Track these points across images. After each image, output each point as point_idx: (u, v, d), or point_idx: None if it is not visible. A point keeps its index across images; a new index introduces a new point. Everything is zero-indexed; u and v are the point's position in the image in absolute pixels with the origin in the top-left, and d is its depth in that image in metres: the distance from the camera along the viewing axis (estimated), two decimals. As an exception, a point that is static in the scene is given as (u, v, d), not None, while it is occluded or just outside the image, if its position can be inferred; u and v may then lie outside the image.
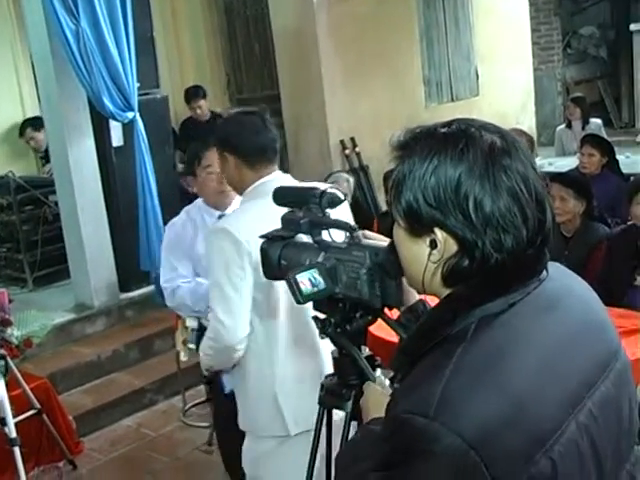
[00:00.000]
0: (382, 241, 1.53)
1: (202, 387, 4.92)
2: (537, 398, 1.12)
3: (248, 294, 2.42)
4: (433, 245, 1.18)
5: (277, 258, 1.71)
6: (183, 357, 4.43)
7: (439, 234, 1.17)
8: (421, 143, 1.20)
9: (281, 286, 2.37)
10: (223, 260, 2.39)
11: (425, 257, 1.20)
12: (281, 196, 1.79)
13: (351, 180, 5.49)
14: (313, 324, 1.99)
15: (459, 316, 1.17)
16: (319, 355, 2.51)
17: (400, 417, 1.11)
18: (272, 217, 2.42)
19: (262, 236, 1.76)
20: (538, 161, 7.01)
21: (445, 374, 1.10)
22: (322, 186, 1.78)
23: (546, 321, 1.21)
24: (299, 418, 2.51)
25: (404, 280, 1.38)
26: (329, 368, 2.23)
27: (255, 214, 2.41)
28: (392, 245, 1.32)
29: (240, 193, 2.59)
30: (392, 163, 1.24)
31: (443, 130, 1.20)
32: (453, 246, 1.17)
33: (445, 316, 1.19)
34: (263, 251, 1.75)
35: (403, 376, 1.24)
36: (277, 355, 2.51)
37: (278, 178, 2.56)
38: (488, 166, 1.15)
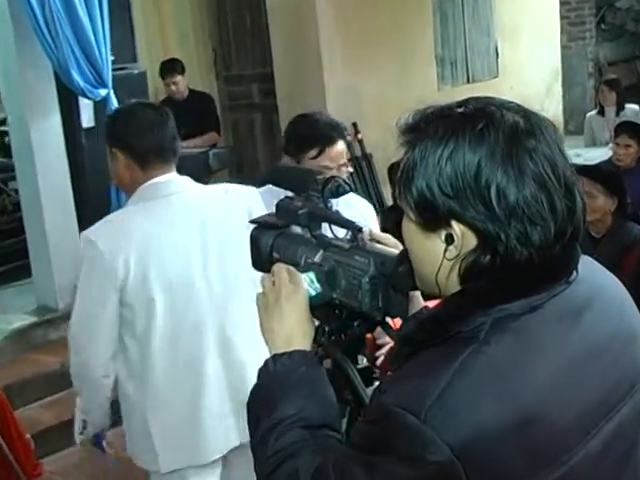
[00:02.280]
0: (391, 245, 1.51)
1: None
2: (545, 418, 1.12)
3: (113, 311, 2.51)
4: (449, 240, 1.18)
5: (269, 249, 1.68)
6: None
7: (456, 227, 1.16)
8: (434, 125, 1.19)
9: (161, 299, 2.53)
10: (86, 272, 2.51)
11: (440, 254, 1.19)
12: (278, 176, 1.77)
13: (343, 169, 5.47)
14: (205, 346, 2.23)
15: (473, 314, 1.16)
16: (214, 378, 2.63)
17: (389, 408, 1.12)
18: (156, 224, 2.55)
19: (252, 221, 1.74)
20: (564, 152, 7.02)
21: (447, 374, 1.11)
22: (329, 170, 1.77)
23: (568, 330, 1.21)
24: (179, 450, 2.64)
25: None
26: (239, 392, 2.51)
27: (133, 222, 2.52)
28: (403, 255, 1.31)
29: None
30: (400, 150, 1.23)
31: (459, 110, 1.20)
32: (472, 240, 1.17)
33: (458, 312, 1.18)
34: (253, 239, 1.73)
35: (398, 367, 1.24)
36: (152, 378, 2.60)
37: (173, 181, 2.64)
38: (511, 149, 1.14)
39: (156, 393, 2.63)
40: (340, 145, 2.99)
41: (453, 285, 1.22)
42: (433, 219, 1.18)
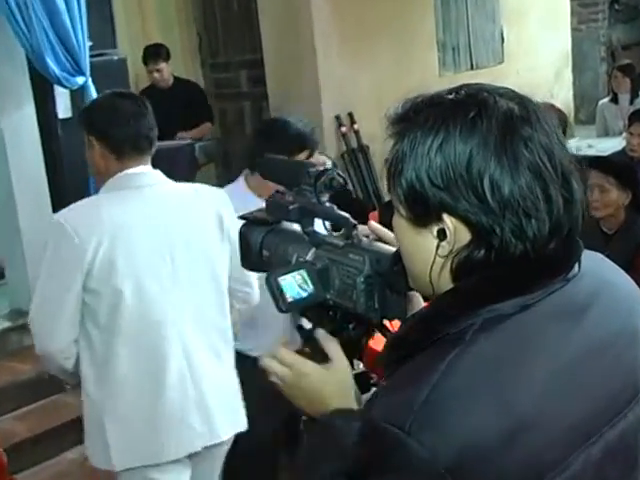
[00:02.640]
0: (389, 239, 1.52)
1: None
2: (541, 421, 1.12)
3: (77, 296, 2.65)
4: (441, 235, 1.19)
5: (259, 246, 1.69)
6: None
7: (448, 221, 1.17)
8: (424, 114, 1.20)
9: (128, 290, 2.66)
10: (52, 255, 2.65)
11: (432, 251, 1.20)
12: (268, 168, 1.77)
13: (328, 163, 5.44)
14: (169, 345, 2.42)
15: (462, 314, 1.17)
16: (177, 378, 2.75)
17: (374, 424, 1.13)
18: (127, 213, 2.72)
19: (241, 217, 1.75)
20: (575, 142, 7.02)
21: (431, 380, 1.11)
22: (322, 163, 1.79)
23: (569, 329, 1.21)
24: (135, 449, 2.77)
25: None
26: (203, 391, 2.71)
27: (104, 209, 2.70)
28: (399, 252, 1.32)
29: None
30: (389, 140, 1.24)
31: (450, 97, 1.21)
32: (465, 235, 1.18)
33: (447, 312, 1.19)
34: (242, 236, 1.73)
35: (390, 374, 1.24)
36: (113, 372, 2.73)
37: (147, 174, 2.81)
38: (505, 138, 1.15)
39: (116, 388, 2.75)
40: (318, 156, 3.18)
41: (445, 283, 1.23)
42: (424, 213, 1.19)
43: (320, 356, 1.50)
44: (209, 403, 2.83)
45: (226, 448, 3.00)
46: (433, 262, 1.21)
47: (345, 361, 1.47)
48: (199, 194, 2.93)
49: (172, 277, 2.77)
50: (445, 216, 1.17)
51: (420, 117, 1.20)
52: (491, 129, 1.15)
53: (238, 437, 2.98)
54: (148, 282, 2.72)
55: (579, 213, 1.21)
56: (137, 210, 2.75)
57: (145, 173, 2.83)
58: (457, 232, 1.17)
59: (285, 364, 1.47)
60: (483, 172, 1.14)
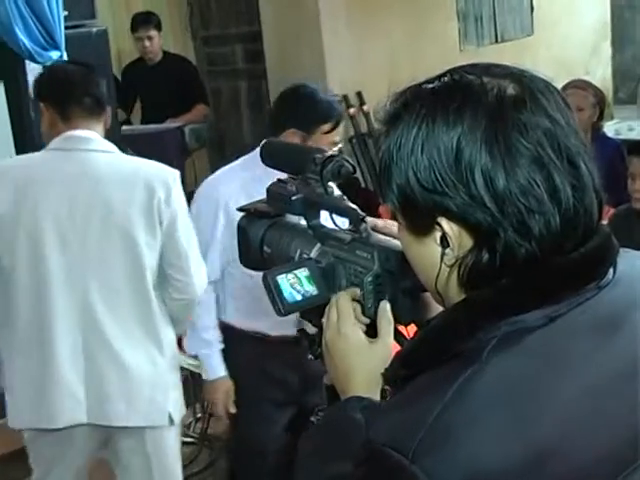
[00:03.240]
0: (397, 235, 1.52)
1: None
2: (563, 454, 1.10)
3: None
4: (445, 243, 1.19)
5: (259, 242, 1.69)
6: None
7: (446, 226, 1.17)
8: (409, 108, 1.21)
9: (25, 254, 3.05)
10: None
11: (437, 260, 1.21)
12: (270, 154, 1.77)
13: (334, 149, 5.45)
14: (65, 312, 2.96)
15: (479, 327, 1.16)
16: (71, 346, 3.07)
17: (374, 446, 1.13)
18: (46, 173, 3.15)
19: (240, 209, 1.75)
20: (614, 125, 7.02)
21: (440, 402, 1.10)
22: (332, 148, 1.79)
23: (597, 346, 1.19)
24: (26, 410, 3.18)
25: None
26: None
27: (23, 163, 3.25)
28: None
29: None
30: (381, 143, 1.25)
31: (430, 86, 1.21)
32: (468, 240, 1.18)
33: (460, 325, 1.18)
34: (241, 230, 1.73)
35: (395, 392, 1.25)
36: (13, 325, 3.12)
37: (87, 138, 3.15)
38: (496, 125, 1.15)
39: (14, 341, 3.15)
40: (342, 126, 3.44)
41: (454, 293, 1.23)
42: (419, 219, 1.20)
43: (371, 331, 1.50)
44: (105, 382, 3.12)
45: (166, 438, 3.30)
46: (439, 271, 1.22)
47: (390, 347, 1.46)
48: (139, 170, 3.22)
49: (79, 248, 3.07)
50: (442, 221, 1.18)
51: (406, 112, 1.21)
52: (477, 116, 1.15)
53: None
54: (49, 247, 3.05)
55: (594, 204, 1.19)
56: (55, 171, 3.12)
57: (86, 138, 3.15)
58: (460, 237, 1.18)
59: (338, 310, 1.48)
60: (473, 165, 1.14)
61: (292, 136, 3.27)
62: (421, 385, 1.17)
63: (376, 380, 1.43)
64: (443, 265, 1.21)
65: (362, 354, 1.45)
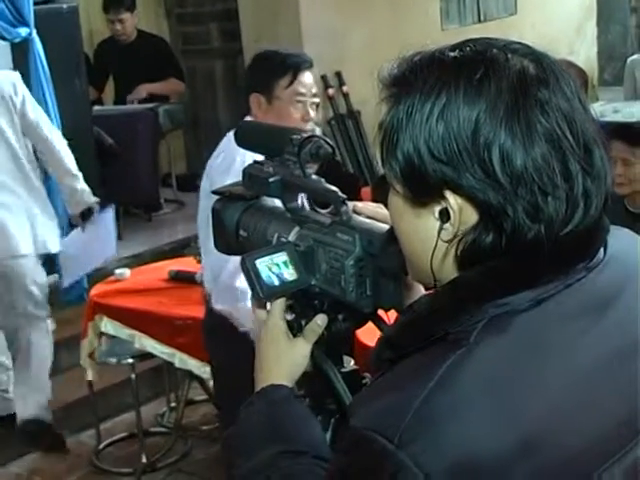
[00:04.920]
0: (382, 218, 1.52)
1: (123, 418, 4.95)
2: (555, 439, 1.11)
3: None
4: (444, 217, 1.18)
5: (234, 225, 1.68)
6: (90, 376, 4.45)
7: (452, 200, 1.16)
8: (423, 74, 1.19)
9: None
10: None
11: (434, 235, 1.19)
12: (245, 135, 1.76)
13: (317, 130, 5.43)
14: None
15: (465, 310, 1.16)
16: None
17: (358, 431, 1.13)
18: None
19: (215, 192, 1.74)
20: (599, 107, 7.03)
21: (426, 387, 1.10)
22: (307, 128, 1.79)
23: (587, 328, 1.19)
24: None
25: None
26: None
27: None
28: (394, 232, 1.31)
29: None
30: (382, 106, 1.23)
31: (453, 54, 1.20)
32: (471, 216, 1.17)
33: (446, 308, 1.18)
34: (215, 213, 1.72)
35: (378, 376, 1.24)
36: None
37: None
38: (518, 102, 1.14)
39: None
40: (310, 74, 3.40)
41: (449, 273, 1.22)
42: (423, 191, 1.18)
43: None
44: None
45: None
46: (435, 248, 1.20)
47: (306, 352, 1.54)
48: None
49: None
50: (448, 194, 1.16)
51: (418, 79, 1.19)
52: (501, 92, 1.14)
53: None
54: None
55: (602, 193, 1.19)
56: None
57: None
58: (462, 213, 1.17)
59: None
60: (491, 142, 1.13)
61: (256, 102, 3.30)
62: (406, 369, 1.17)
63: (286, 374, 1.51)
64: (439, 241, 1.19)
65: (276, 346, 1.52)
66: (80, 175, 4.79)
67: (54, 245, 4.74)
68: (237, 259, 1.56)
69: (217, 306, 3.32)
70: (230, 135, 3.35)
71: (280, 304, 1.54)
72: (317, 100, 3.42)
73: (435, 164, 1.16)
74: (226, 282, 3.28)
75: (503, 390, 1.11)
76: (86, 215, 4.79)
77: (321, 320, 1.53)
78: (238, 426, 1.52)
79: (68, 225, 5.04)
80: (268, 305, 1.56)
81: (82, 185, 4.77)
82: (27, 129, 4.59)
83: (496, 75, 1.15)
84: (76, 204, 4.78)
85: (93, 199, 4.80)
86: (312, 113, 3.32)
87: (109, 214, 4.96)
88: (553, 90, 1.17)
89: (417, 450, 1.07)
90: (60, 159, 4.70)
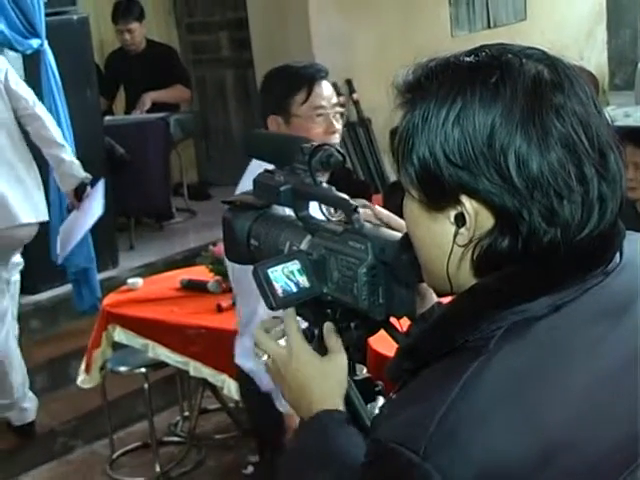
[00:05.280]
0: (395, 227, 1.51)
1: (136, 428, 4.95)
2: (577, 445, 1.11)
3: None
4: (460, 221, 1.18)
5: (246, 235, 1.68)
6: (81, 383, 4.47)
7: (468, 204, 1.16)
8: (438, 80, 1.19)
9: None
10: None
11: (450, 239, 1.19)
12: (255, 144, 1.76)
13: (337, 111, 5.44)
14: None
15: (484, 317, 1.16)
16: None
17: (382, 444, 1.12)
18: None
19: (226, 202, 1.74)
20: (610, 111, 7.00)
21: (449, 397, 1.10)
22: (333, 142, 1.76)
23: (605, 333, 1.20)
24: None
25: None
26: None
27: None
28: (407, 239, 1.32)
29: None
30: (398, 112, 1.24)
31: (468, 59, 1.20)
32: (487, 220, 1.17)
33: (465, 316, 1.18)
34: (226, 222, 1.72)
35: (401, 387, 1.24)
36: None
37: None
38: (533, 106, 1.15)
39: None
40: (327, 84, 3.15)
41: (466, 278, 1.22)
42: (439, 195, 1.18)
43: (321, 351, 1.52)
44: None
45: None
46: (450, 253, 1.20)
47: (344, 359, 1.49)
48: None
49: None
50: (464, 198, 1.16)
51: (434, 84, 1.19)
52: (516, 96, 1.15)
53: None
54: None
55: (618, 197, 1.19)
56: None
57: None
58: (478, 217, 1.17)
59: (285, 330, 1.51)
60: (507, 146, 1.14)
61: (274, 125, 3.09)
62: (427, 380, 1.17)
63: (335, 394, 1.47)
64: (455, 245, 1.19)
65: (316, 373, 1.48)
66: (68, 147, 4.84)
67: (46, 213, 4.85)
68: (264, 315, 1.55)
69: (238, 361, 3.22)
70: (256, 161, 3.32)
71: (295, 325, 1.51)
72: (341, 110, 3.24)
73: (451, 169, 1.16)
74: (247, 344, 3.16)
75: (525, 397, 1.11)
76: (80, 191, 4.84)
77: (329, 325, 1.52)
78: (291, 452, 1.51)
79: (66, 211, 5.10)
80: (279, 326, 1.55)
81: (70, 157, 4.80)
82: (11, 100, 4.66)
83: (511, 80, 1.16)
84: (67, 179, 4.81)
85: (84, 174, 4.82)
86: (337, 125, 3.12)
87: (100, 186, 4.98)
88: (568, 95, 1.17)
89: (443, 461, 1.07)
90: (44, 127, 4.71)
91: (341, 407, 1.46)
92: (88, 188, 4.86)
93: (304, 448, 1.47)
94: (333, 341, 1.49)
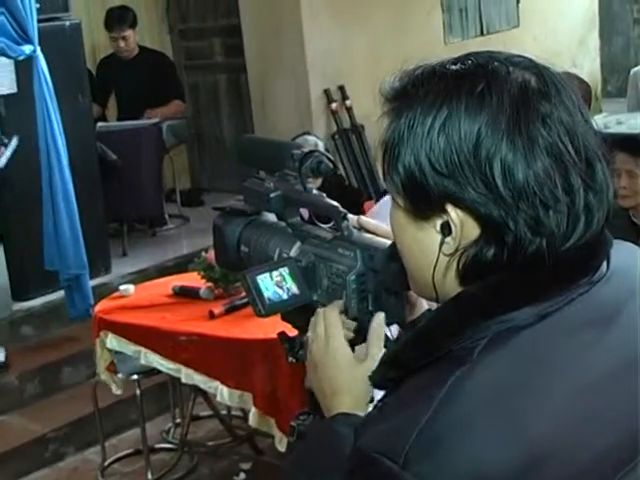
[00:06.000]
0: (383, 234, 1.51)
1: (128, 435, 4.93)
2: (559, 456, 1.10)
3: None
4: (446, 230, 1.18)
5: (236, 241, 1.68)
6: (115, 390, 4.42)
7: (453, 214, 1.16)
8: (424, 88, 1.19)
9: None
10: None
11: (436, 248, 1.19)
12: (246, 150, 1.76)
13: (320, 144, 5.43)
14: None
15: (469, 327, 1.16)
16: None
17: (363, 453, 1.12)
18: None
19: (216, 208, 1.74)
20: (602, 119, 7.02)
21: (430, 407, 1.09)
22: (307, 143, 1.78)
23: (591, 344, 1.19)
24: None
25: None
26: None
27: None
28: (395, 248, 1.31)
29: None
30: (384, 120, 1.24)
31: (454, 68, 1.20)
32: (473, 230, 1.17)
33: (449, 324, 1.18)
34: (216, 229, 1.72)
35: (385, 395, 1.24)
36: None
37: None
38: (519, 115, 1.14)
39: None
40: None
41: (451, 287, 1.22)
42: (425, 204, 1.18)
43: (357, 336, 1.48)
44: None
45: None
46: (436, 261, 1.20)
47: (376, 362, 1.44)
48: None
49: None
50: (450, 207, 1.16)
51: (420, 92, 1.19)
52: (502, 105, 1.14)
53: None
54: None
55: (604, 207, 1.19)
56: None
57: None
58: (464, 226, 1.16)
59: (326, 323, 1.45)
60: (493, 155, 1.13)
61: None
62: (410, 388, 1.17)
63: (362, 399, 1.43)
64: (441, 254, 1.19)
65: (351, 373, 1.43)
66: None
67: None
68: None
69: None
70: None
71: (337, 321, 1.46)
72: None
73: (436, 177, 1.16)
74: None
75: (508, 407, 1.11)
76: None
77: (379, 319, 1.44)
78: (302, 447, 1.50)
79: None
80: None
81: None
82: None
83: (497, 88, 1.16)
84: None
85: None
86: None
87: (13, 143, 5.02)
88: (555, 103, 1.17)
89: (422, 470, 1.06)
90: None
91: (363, 412, 1.42)
92: (2, 148, 4.86)
93: (311, 448, 1.45)
94: (375, 339, 1.43)
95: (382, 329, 1.44)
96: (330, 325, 1.45)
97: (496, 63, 1.19)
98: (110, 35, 7.15)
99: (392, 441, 1.09)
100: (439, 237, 1.19)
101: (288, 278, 1.51)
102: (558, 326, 1.17)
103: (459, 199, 1.15)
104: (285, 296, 1.50)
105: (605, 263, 1.23)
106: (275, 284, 1.50)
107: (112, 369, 4.40)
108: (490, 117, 1.14)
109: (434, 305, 1.40)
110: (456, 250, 1.18)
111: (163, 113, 7.09)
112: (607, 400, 1.17)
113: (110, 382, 4.43)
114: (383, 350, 1.43)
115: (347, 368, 1.44)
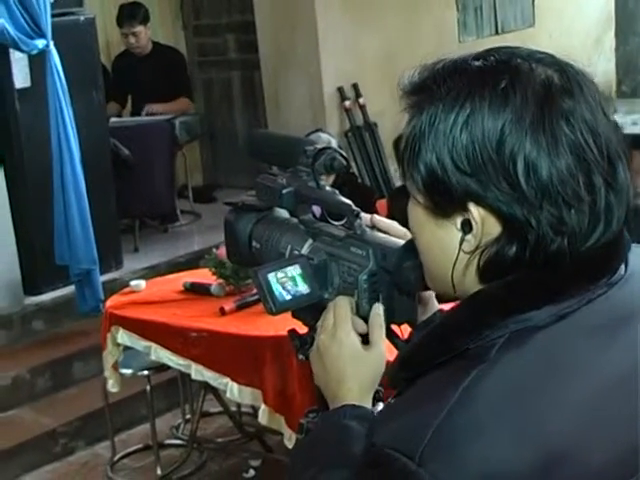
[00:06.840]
0: (398, 234, 1.51)
1: (137, 430, 4.94)
2: (576, 457, 1.10)
3: None
4: (466, 228, 1.17)
5: (247, 237, 1.67)
6: (111, 387, 4.43)
7: (475, 212, 1.15)
8: (446, 84, 1.18)
9: None
10: None
11: (456, 246, 1.18)
12: (258, 145, 1.75)
13: (333, 142, 5.41)
14: None
15: (487, 325, 1.15)
16: None
17: (379, 449, 1.11)
18: None
19: (227, 203, 1.74)
20: (617, 119, 7.01)
21: (447, 404, 1.09)
22: (320, 140, 1.77)
23: (606, 345, 1.18)
24: None
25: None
26: None
27: None
28: (409, 247, 1.31)
29: None
30: (404, 116, 1.22)
31: (477, 63, 1.19)
32: (494, 228, 1.16)
33: (466, 323, 1.17)
34: (228, 224, 1.72)
35: (400, 392, 1.23)
36: None
37: None
38: (543, 112, 1.13)
39: None
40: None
41: (471, 285, 1.21)
42: (446, 202, 1.17)
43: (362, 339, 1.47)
44: None
45: None
46: (456, 259, 1.19)
47: (384, 354, 1.44)
48: None
49: None
50: (471, 205, 1.15)
51: (441, 87, 1.18)
52: (526, 102, 1.13)
53: None
54: None
55: (624, 207, 1.18)
56: None
57: None
58: (485, 224, 1.16)
59: (335, 314, 1.45)
60: (517, 153, 1.12)
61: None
62: (427, 386, 1.16)
63: (368, 388, 1.43)
64: (461, 252, 1.18)
65: (356, 361, 1.43)
66: None
67: None
68: None
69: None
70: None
71: (347, 312, 1.45)
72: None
73: (459, 175, 1.15)
74: None
75: (524, 407, 1.10)
76: None
77: (378, 309, 1.44)
78: (310, 439, 1.49)
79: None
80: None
81: None
82: None
83: (521, 85, 1.14)
84: None
85: None
86: None
87: None
88: (578, 101, 1.15)
89: (438, 468, 1.06)
90: None
91: (368, 402, 1.43)
92: None
93: (319, 440, 1.44)
94: (377, 329, 1.43)
95: (381, 318, 1.43)
96: (339, 315, 1.45)
97: (519, 60, 1.18)
98: (121, 31, 7.16)
99: (408, 438, 1.09)
100: (459, 234, 1.18)
101: (299, 276, 1.50)
102: (576, 327, 1.16)
103: (481, 197, 1.14)
104: (296, 294, 1.49)
105: (623, 265, 1.22)
106: (286, 282, 1.49)
107: (115, 366, 4.42)
108: (514, 114, 1.13)
109: (445, 306, 1.41)
110: (476, 248, 1.17)
111: (165, 109, 7.07)
112: (619, 403, 1.17)
113: (109, 379, 4.43)
114: (384, 338, 1.44)
115: (353, 357, 1.43)
